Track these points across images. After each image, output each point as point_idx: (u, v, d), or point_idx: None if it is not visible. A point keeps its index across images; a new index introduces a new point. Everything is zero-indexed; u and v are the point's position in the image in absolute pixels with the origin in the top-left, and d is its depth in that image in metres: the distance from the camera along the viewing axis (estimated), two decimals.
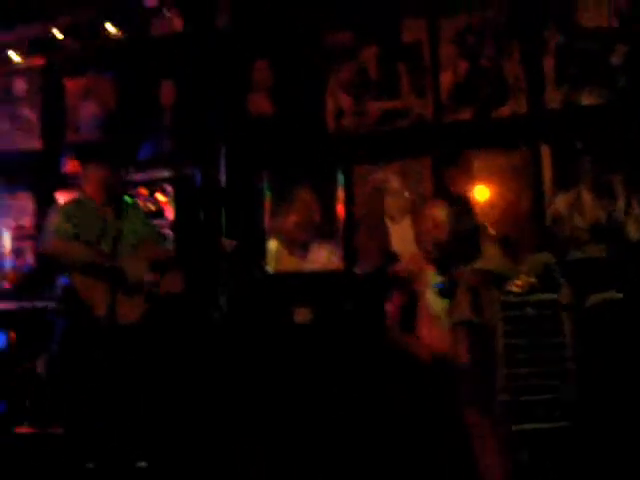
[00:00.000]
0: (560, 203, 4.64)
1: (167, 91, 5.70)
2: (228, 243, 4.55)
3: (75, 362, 3.91)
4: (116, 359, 3.75)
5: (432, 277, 3.71)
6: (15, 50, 6.18)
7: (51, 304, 4.84)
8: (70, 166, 6.09)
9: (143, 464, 4.00)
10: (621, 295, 3.03)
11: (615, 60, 4.57)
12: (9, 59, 6.27)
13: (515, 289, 2.90)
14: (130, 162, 4.30)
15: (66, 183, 6.08)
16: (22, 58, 6.27)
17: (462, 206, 3.85)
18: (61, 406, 4.39)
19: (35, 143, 6.24)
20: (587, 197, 4.57)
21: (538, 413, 2.83)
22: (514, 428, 2.84)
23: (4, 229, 6.29)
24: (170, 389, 4.21)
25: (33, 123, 6.28)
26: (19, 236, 6.27)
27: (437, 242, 3.62)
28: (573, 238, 4.53)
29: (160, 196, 5.32)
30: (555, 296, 2.86)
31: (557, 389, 2.83)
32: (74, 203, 4.15)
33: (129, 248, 3.99)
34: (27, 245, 6.22)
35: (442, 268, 3.62)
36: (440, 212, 3.70)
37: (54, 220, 4.04)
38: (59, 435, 4.37)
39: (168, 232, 5.19)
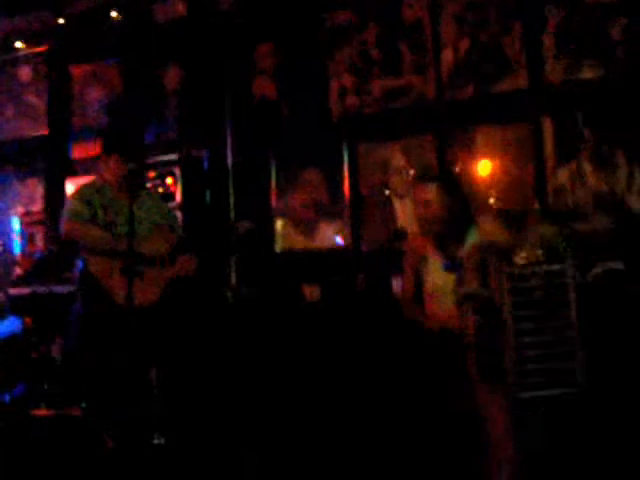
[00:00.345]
0: (562, 176, 4.71)
1: (172, 75, 5.76)
2: (242, 225, 4.62)
3: (92, 345, 4.00)
4: (134, 341, 3.83)
5: (434, 254, 3.79)
6: (19, 38, 6.23)
7: (67, 288, 4.94)
8: (78, 151, 6.18)
9: (161, 441, 4.11)
10: (622, 266, 3.10)
11: (614, 33, 4.61)
12: (14, 47, 6.33)
13: (520, 261, 2.97)
14: (145, 150, 4.35)
15: (74, 169, 6.17)
16: (26, 45, 6.33)
17: (452, 185, 3.89)
18: (78, 388, 4.49)
19: (42, 129, 6.32)
20: (588, 169, 4.64)
21: (546, 381, 2.92)
22: (522, 396, 2.92)
23: (14, 215, 6.38)
24: (186, 368, 4.30)
25: (39, 109, 6.35)
26: (29, 222, 6.36)
27: (431, 221, 3.68)
28: (575, 210, 4.61)
29: (168, 179, 5.40)
30: (560, 267, 2.94)
31: (564, 357, 2.91)
32: (92, 187, 4.20)
33: (145, 233, 4.08)
34: (37, 231, 6.32)
35: (442, 245, 3.70)
36: (429, 192, 3.74)
37: (71, 203, 4.11)
38: (76, 417, 4.46)
39: (177, 214, 5.28)
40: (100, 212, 4.06)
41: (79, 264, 4.08)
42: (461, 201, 3.71)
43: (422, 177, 4.04)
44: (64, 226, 4.07)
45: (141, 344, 3.89)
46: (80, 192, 4.19)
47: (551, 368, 2.92)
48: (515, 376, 2.94)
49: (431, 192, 3.68)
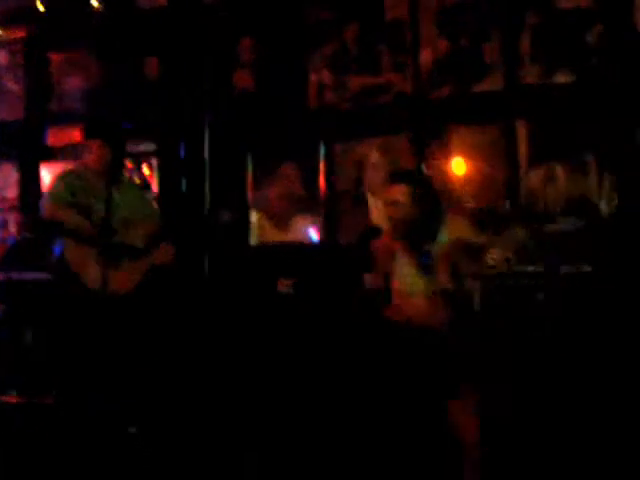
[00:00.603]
0: (534, 178, 4.81)
1: (152, 65, 5.76)
2: (223, 214, 4.68)
3: (66, 332, 4.02)
4: (108, 329, 3.87)
5: (404, 252, 3.85)
6: None
7: (41, 275, 4.93)
8: (54, 137, 6.16)
9: (133, 429, 4.14)
10: (590, 268, 3.20)
11: (589, 40, 4.70)
12: None
13: (491, 261, 3.06)
14: (127, 138, 4.39)
15: (50, 155, 6.15)
16: (5, 30, 6.28)
17: (423, 185, 3.94)
18: (51, 376, 4.50)
19: (19, 114, 6.27)
20: (560, 172, 4.74)
21: (511, 372, 3.01)
22: (487, 388, 3.01)
23: None
24: (161, 357, 4.34)
25: (17, 95, 6.31)
26: (2, 208, 6.32)
27: (399, 221, 3.73)
28: (546, 212, 4.71)
29: (145, 169, 5.42)
30: (530, 267, 3.03)
31: (532, 351, 3.01)
32: (75, 172, 4.26)
33: (123, 222, 4.12)
34: (11, 217, 6.29)
35: (412, 244, 3.76)
36: (398, 194, 3.79)
37: (55, 186, 4.17)
38: (48, 404, 4.48)
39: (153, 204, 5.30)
40: (81, 197, 4.10)
41: (57, 249, 4.10)
42: (432, 201, 3.77)
43: (392, 177, 4.08)
44: (46, 207, 4.12)
45: (115, 331, 3.92)
46: (64, 176, 4.24)
47: (517, 361, 3.02)
48: (483, 368, 3.03)
49: (400, 193, 3.72)
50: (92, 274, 3.91)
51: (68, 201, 4.07)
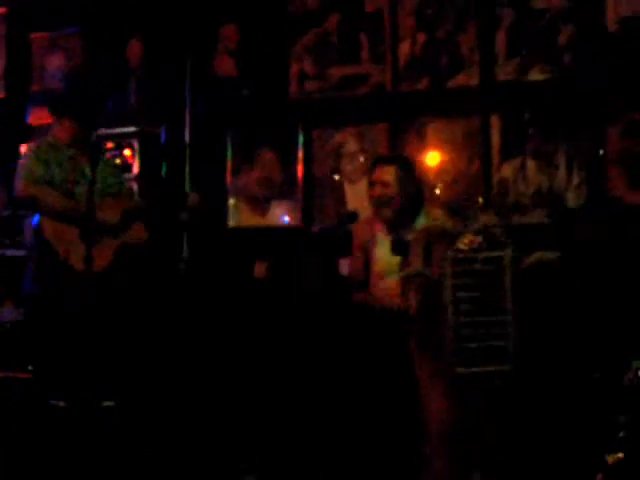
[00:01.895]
0: (506, 170, 4.96)
1: (134, 48, 5.82)
2: (193, 197, 4.73)
3: (45, 306, 4.04)
4: (85, 303, 3.87)
5: (383, 235, 4.00)
6: None
7: (19, 252, 4.98)
8: (35, 117, 6.19)
9: (110, 403, 4.21)
10: (556, 255, 3.34)
11: (562, 39, 4.86)
12: None
13: (463, 246, 3.18)
14: (101, 118, 4.37)
15: (30, 134, 6.17)
16: None
17: (408, 169, 4.12)
18: (29, 350, 4.55)
19: None
20: (531, 165, 4.90)
21: (481, 358, 3.14)
22: (460, 372, 3.14)
23: None
24: (136, 333, 4.40)
25: None
26: None
27: (387, 201, 3.89)
28: (517, 203, 4.87)
29: (126, 151, 5.48)
30: (499, 253, 3.16)
31: (498, 337, 3.14)
32: (47, 146, 4.14)
33: (100, 197, 4.07)
34: None
35: (392, 227, 3.91)
36: (387, 174, 3.96)
37: (26, 163, 4.04)
38: (25, 379, 4.52)
39: (133, 185, 5.37)
40: (56, 170, 4.04)
41: (31, 226, 4.03)
42: (415, 185, 3.93)
43: (382, 158, 4.24)
44: (20, 187, 4.00)
45: (93, 308, 3.94)
46: (36, 151, 4.13)
47: (486, 346, 3.15)
48: (453, 353, 3.15)
49: (389, 173, 3.91)
50: (72, 251, 3.86)
51: (42, 176, 3.97)
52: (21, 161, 4.16)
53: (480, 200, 4.87)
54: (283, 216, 5.41)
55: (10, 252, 5.28)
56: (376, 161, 4.18)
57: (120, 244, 4.18)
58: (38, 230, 4.00)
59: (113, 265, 4.13)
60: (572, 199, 4.78)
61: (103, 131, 5.33)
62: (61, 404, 4.06)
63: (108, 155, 5.30)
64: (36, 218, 4.02)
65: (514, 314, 3.15)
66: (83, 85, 4.51)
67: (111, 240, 4.14)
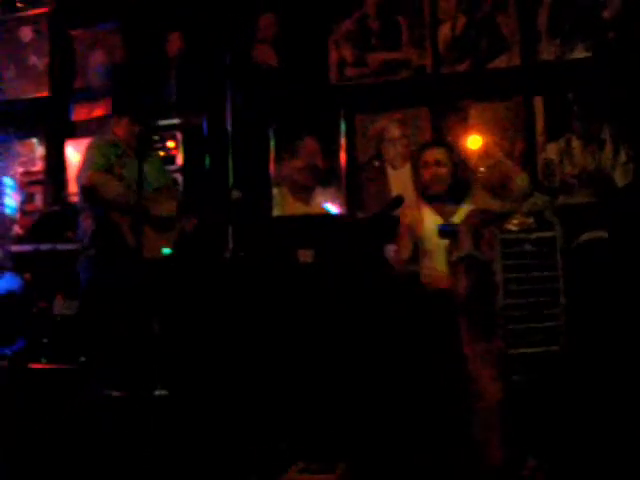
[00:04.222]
0: (551, 151, 4.91)
1: (174, 41, 5.86)
2: (235, 193, 4.80)
3: (104, 293, 4.13)
4: (141, 291, 3.96)
5: (430, 219, 4.00)
6: None
7: (69, 246, 5.07)
8: (78, 114, 6.28)
9: (163, 392, 4.27)
10: (605, 234, 3.31)
11: (606, 14, 4.79)
12: (15, 6, 6.39)
13: (513, 228, 3.17)
14: (153, 113, 4.50)
15: (74, 131, 6.28)
16: (28, 6, 6.38)
17: (455, 152, 4.17)
18: (82, 340, 4.64)
19: (43, 91, 6.37)
20: (577, 145, 4.85)
21: (532, 339, 3.13)
22: (510, 352, 3.13)
23: (13, 175, 6.46)
24: (189, 322, 4.47)
25: (41, 71, 6.42)
26: (28, 182, 6.45)
27: (440, 180, 3.94)
28: (563, 184, 4.82)
29: (170, 143, 5.53)
30: (550, 234, 3.14)
31: (548, 318, 3.12)
32: (107, 140, 4.32)
33: (151, 191, 4.23)
34: (37, 190, 6.42)
35: (440, 209, 3.93)
36: (440, 154, 4.02)
37: (90, 154, 4.23)
38: (75, 370, 4.61)
39: (178, 177, 5.43)
40: (115, 165, 4.20)
41: (98, 213, 4.15)
42: (461, 168, 3.95)
43: (431, 142, 4.33)
44: (86, 176, 4.17)
45: (147, 296, 4.02)
46: (97, 144, 4.31)
47: (536, 327, 3.14)
48: (503, 334, 3.15)
49: (441, 154, 3.96)
50: (130, 238, 3.98)
51: (104, 166, 4.15)
52: (85, 154, 4.33)
53: (525, 181, 4.83)
54: (327, 204, 5.43)
55: (60, 246, 5.36)
56: (425, 145, 4.25)
57: (177, 235, 4.30)
58: (104, 220, 4.13)
59: (170, 255, 4.24)
60: (619, 178, 4.72)
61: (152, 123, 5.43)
62: (115, 394, 4.13)
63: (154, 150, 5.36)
64: (101, 209, 4.15)
65: (565, 295, 3.13)
66: (127, 82, 4.61)
67: (166, 233, 4.25)
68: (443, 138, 4.93)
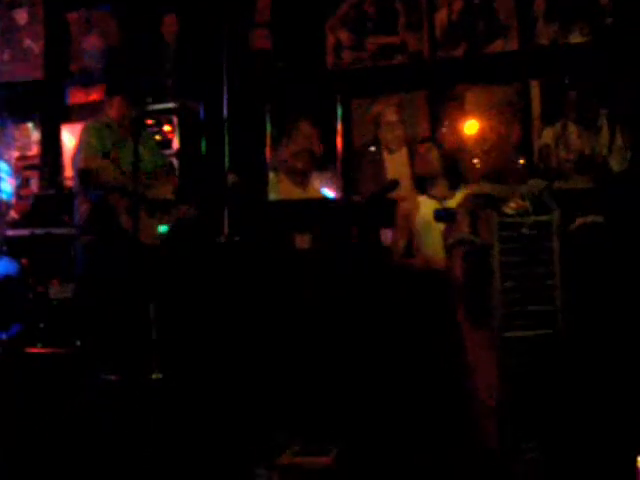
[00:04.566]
0: (547, 136, 4.92)
1: (170, 25, 5.83)
2: (232, 177, 4.79)
3: (99, 277, 4.13)
4: (137, 275, 3.96)
5: (426, 204, 4.02)
6: None
7: (65, 230, 5.06)
8: (74, 97, 6.25)
9: (159, 375, 4.28)
10: (601, 219, 3.33)
11: (603, 0, 4.79)
12: None
13: (510, 211, 3.18)
14: (145, 95, 4.48)
15: (70, 114, 6.25)
16: None
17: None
18: (78, 324, 4.64)
19: (38, 74, 6.33)
20: (573, 130, 4.85)
21: (528, 322, 3.15)
22: (506, 335, 3.15)
23: (8, 159, 6.43)
24: (185, 306, 4.47)
25: (36, 54, 6.38)
26: (24, 166, 6.43)
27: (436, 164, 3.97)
28: (559, 169, 4.83)
29: (166, 126, 5.51)
30: (547, 218, 3.15)
31: (545, 301, 3.14)
32: (102, 123, 4.30)
33: (148, 173, 4.18)
34: (32, 175, 6.40)
35: (434, 191, 3.95)
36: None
37: (85, 138, 4.21)
38: (71, 354, 4.61)
39: (174, 161, 5.42)
40: (111, 148, 4.17)
41: (94, 197, 4.14)
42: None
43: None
44: (81, 159, 4.15)
45: (142, 279, 4.01)
46: (93, 127, 4.28)
47: (533, 310, 3.16)
48: (500, 317, 3.17)
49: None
50: (126, 222, 3.97)
51: (100, 150, 4.13)
52: (80, 137, 4.31)
53: (522, 166, 4.84)
54: (323, 188, 5.42)
55: (56, 231, 5.35)
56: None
57: (175, 219, 4.29)
58: (100, 203, 4.12)
59: (163, 240, 4.23)
60: (615, 163, 4.73)
61: (145, 105, 5.41)
62: (112, 378, 4.14)
63: (148, 131, 5.34)
64: (96, 193, 4.13)
65: (561, 278, 3.15)
66: (126, 63, 4.59)
67: (164, 216, 4.24)
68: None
